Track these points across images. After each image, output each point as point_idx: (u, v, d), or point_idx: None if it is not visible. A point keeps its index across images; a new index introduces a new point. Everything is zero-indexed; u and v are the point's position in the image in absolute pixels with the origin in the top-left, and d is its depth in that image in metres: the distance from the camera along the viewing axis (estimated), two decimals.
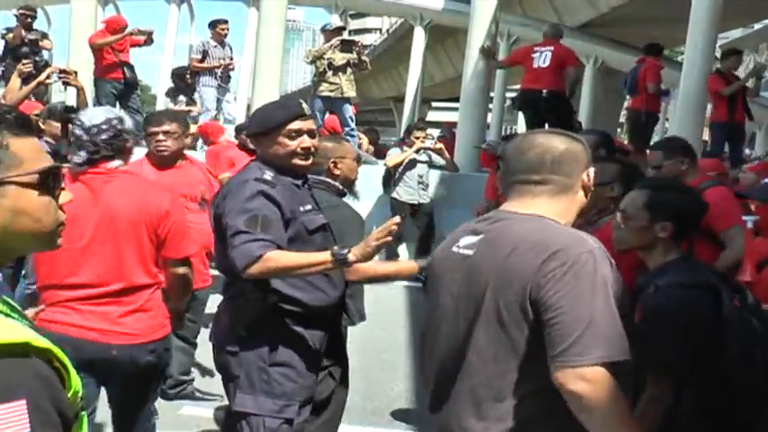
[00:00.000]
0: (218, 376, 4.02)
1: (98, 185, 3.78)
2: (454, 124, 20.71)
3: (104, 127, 3.79)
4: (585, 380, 2.16)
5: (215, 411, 5.57)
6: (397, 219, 3.43)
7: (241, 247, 3.43)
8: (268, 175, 3.61)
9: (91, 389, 3.67)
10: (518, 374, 2.34)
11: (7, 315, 1.46)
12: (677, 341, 2.91)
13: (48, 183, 1.59)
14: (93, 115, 3.86)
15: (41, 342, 1.43)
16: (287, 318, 3.67)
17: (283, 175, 3.67)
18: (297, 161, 3.68)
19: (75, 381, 1.50)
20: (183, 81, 13.60)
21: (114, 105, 12.38)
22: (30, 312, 3.52)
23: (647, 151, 6.63)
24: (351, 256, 3.41)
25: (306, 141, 3.68)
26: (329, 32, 12.29)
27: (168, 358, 4.08)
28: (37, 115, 6.63)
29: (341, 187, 4.34)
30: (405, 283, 10.61)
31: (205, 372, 6.08)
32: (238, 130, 9.49)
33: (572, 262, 2.26)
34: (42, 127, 6.51)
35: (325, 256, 3.44)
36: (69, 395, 1.47)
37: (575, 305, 2.22)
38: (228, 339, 3.69)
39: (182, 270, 3.93)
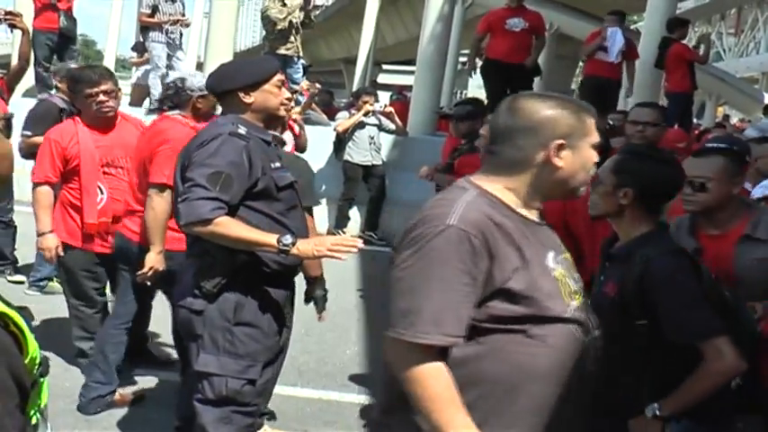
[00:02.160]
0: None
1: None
2: (405, 87, 20.69)
3: (171, 85, 4.95)
4: (391, 349, 2.20)
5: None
6: (360, 244, 3.43)
7: (194, 202, 3.40)
8: (242, 129, 3.57)
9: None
10: None
11: None
12: (701, 302, 2.93)
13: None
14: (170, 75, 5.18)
15: None
16: (254, 277, 3.62)
17: (257, 131, 3.66)
18: (283, 111, 3.80)
19: (33, 346, 1.43)
20: None
21: (50, 58, 12.00)
22: None
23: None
24: (294, 250, 3.44)
25: (287, 93, 3.79)
26: None
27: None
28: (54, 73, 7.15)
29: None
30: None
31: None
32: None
33: (415, 233, 2.20)
34: (59, 86, 7.05)
35: (271, 240, 3.45)
36: (27, 361, 1.40)
37: (404, 276, 2.18)
38: (192, 298, 3.61)
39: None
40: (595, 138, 2.32)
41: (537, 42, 11.17)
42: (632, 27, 17.67)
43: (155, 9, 12.26)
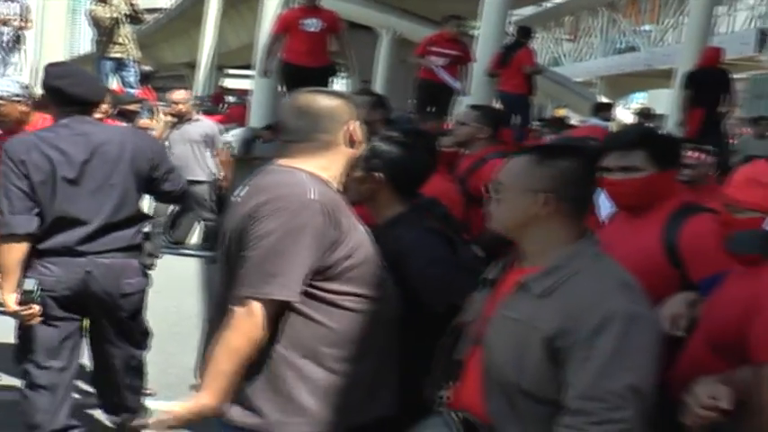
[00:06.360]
0: None
1: None
2: (249, 92, 20.58)
3: None
4: (242, 305, 2.51)
5: None
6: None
7: None
8: None
9: None
10: None
11: None
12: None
13: None
14: None
15: None
16: None
17: None
18: None
19: None
20: None
21: None
22: None
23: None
24: None
25: None
26: None
27: None
28: None
29: None
30: (195, 252, 10.41)
31: None
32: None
33: (277, 206, 2.50)
34: None
35: None
36: None
37: (260, 243, 2.48)
38: None
39: None
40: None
41: (338, 42, 10.85)
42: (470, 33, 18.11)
43: None
